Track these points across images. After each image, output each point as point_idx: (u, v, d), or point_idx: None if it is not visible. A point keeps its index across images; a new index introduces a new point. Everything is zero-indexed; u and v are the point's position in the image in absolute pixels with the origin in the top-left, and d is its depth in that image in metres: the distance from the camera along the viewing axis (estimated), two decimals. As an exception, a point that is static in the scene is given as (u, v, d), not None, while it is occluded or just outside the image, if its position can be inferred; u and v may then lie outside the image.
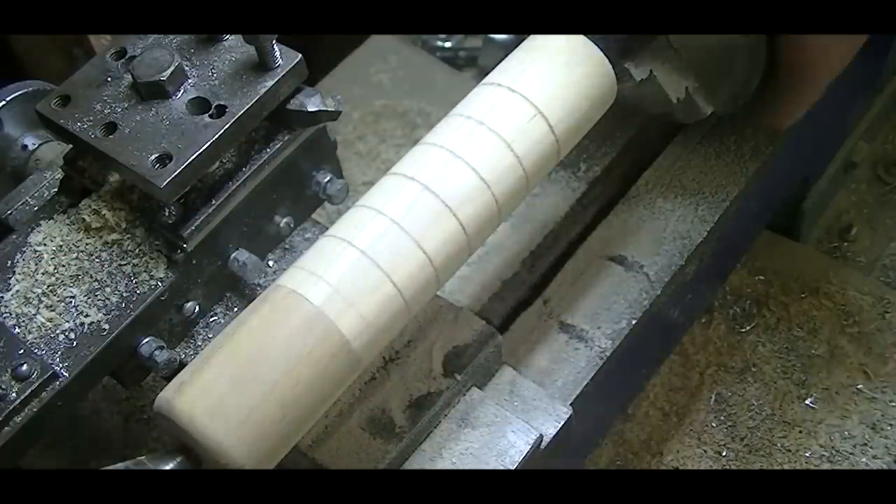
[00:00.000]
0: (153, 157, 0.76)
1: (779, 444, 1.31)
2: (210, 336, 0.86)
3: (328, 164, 0.90)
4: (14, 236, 0.84)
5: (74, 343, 0.78)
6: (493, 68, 0.83)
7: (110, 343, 0.78)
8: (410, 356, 0.89)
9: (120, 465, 0.68)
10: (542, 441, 0.87)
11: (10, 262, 0.81)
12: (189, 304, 0.84)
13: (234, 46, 0.82)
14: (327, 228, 0.78)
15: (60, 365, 0.77)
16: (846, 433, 1.31)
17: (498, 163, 0.77)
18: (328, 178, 0.89)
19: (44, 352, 0.77)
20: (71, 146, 0.83)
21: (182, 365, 0.82)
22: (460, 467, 0.85)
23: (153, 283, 0.81)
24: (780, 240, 1.47)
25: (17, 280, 0.80)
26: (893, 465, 1.27)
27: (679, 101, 0.92)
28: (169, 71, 0.78)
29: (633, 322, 1.03)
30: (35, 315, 0.79)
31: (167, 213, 0.80)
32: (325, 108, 0.82)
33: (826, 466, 1.28)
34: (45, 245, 0.82)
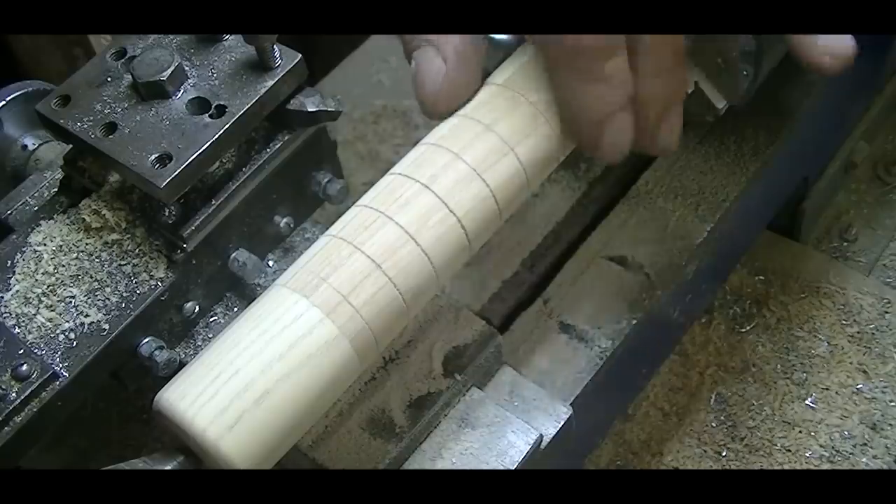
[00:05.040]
0: (153, 157, 0.76)
1: (779, 444, 1.31)
2: (210, 336, 0.86)
3: (328, 164, 0.90)
4: (14, 236, 0.84)
5: (74, 343, 0.78)
6: (494, 69, 0.83)
7: (110, 343, 0.78)
8: (410, 356, 0.89)
9: (120, 466, 0.68)
10: (542, 441, 0.87)
11: (10, 262, 0.81)
12: (189, 304, 0.84)
13: (234, 46, 0.82)
14: (327, 228, 0.78)
15: (60, 365, 0.76)
16: (846, 433, 1.30)
17: (499, 163, 0.77)
18: (328, 178, 0.89)
19: (44, 352, 0.77)
20: (71, 146, 0.83)
21: (182, 365, 0.82)
22: (460, 467, 0.85)
23: (153, 283, 0.81)
24: (780, 240, 1.47)
25: (17, 280, 0.80)
26: (893, 465, 1.27)
27: (688, 97, 0.91)
28: (169, 71, 0.78)
29: (633, 322, 1.03)
30: (35, 315, 0.79)
31: (167, 213, 0.80)
32: (324, 108, 0.82)
33: (826, 466, 1.28)
34: (45, 245, 0.82)
